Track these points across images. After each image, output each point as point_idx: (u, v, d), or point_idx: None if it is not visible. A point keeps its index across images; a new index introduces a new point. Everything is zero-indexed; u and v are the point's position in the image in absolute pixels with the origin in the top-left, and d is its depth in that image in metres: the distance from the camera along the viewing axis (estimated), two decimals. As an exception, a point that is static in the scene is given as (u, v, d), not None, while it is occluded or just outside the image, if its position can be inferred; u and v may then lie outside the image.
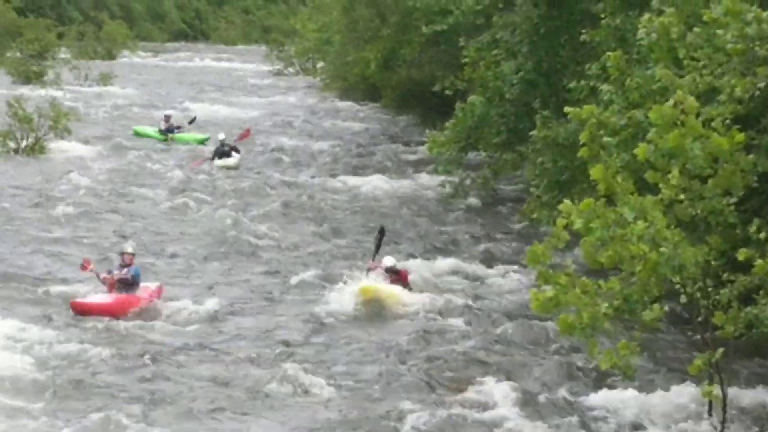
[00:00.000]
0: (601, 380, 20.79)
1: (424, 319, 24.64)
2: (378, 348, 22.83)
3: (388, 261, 26.42)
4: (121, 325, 23.37)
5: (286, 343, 23.00)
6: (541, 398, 20.10)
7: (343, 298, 25.63)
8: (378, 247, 27.02)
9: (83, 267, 24.82)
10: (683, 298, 18.50)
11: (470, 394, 20.46)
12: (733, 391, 19.07)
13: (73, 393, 19.77)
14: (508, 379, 21.05)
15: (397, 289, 25.48)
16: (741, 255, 18.08)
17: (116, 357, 21.47)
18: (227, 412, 19.19)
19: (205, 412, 19.11)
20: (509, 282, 28.21)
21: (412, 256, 31.35)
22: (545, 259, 18.09)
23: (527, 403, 19.94)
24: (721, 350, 18.23)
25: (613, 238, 17.55)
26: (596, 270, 18.20)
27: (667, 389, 20.20)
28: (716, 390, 18.36)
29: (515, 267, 28.50)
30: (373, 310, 24.86)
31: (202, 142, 49.97)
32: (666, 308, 18.26)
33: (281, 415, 19.21)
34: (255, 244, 32.07)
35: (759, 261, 17.82)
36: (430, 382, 20.90)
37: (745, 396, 19.68)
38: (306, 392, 20.10)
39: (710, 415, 18.91)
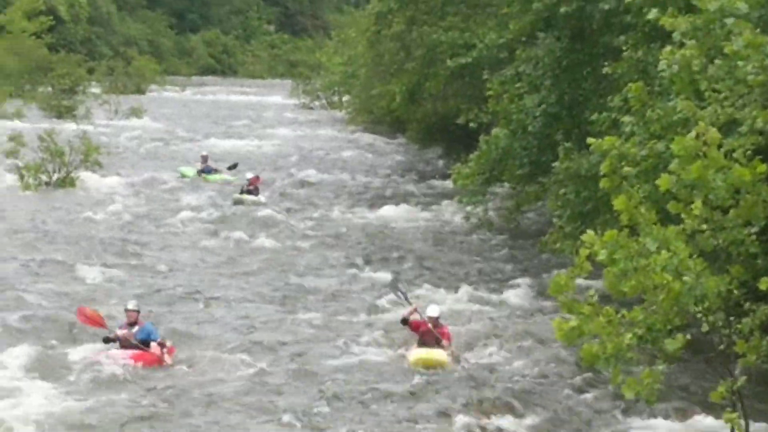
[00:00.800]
0: (626, 408, 20.78)
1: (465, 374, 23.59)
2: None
3: (433, 311, 24.75)
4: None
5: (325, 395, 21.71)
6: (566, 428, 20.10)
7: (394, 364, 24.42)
8: (405, 296, 26.18)
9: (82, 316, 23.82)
10: (705, 327, 18.47)
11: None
12: (754, 418, 19.07)
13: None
14: (535, 409, 21.07)
15: (444, 355, 24.05)
16: (763, 284, 18.04)
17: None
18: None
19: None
20: (533, 311, 28.23)
21: (436, 286, 31.43)
22: (568, 289, 18.10)
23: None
24: (743, 378, 18.22)
25: (636, 268, 17.56)
26: (619, 300, 18.21)
27: (690, 416, 20.25)
28: (738, 418, 18.37)
29: (539, 297, 28.48)
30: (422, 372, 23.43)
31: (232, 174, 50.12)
32: (689, 338, 18.27)
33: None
34: (286, 280, 32.00)
35: (779, 291, 17.84)
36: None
37: (761, 420, 19.64)
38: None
39: (732, 440, 18.91)
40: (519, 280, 32.08)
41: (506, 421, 20.56)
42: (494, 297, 29.95)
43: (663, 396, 19.78)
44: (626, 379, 17.91)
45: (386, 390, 22.01)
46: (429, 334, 24.11)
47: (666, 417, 20.28)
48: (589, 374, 22.07)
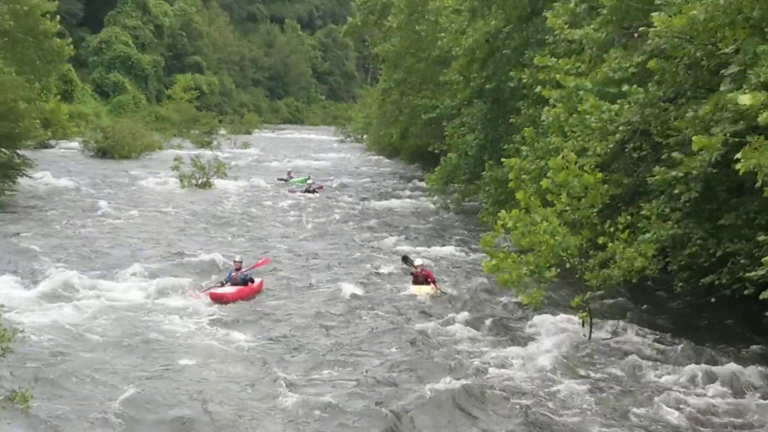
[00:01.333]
0: (522, 315, 20.84)
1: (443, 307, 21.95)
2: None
3: (417, 262, 24.08)
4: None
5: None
6: (489, 323, 20.23)
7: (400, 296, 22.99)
8: (412, 263, 24.25)
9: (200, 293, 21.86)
10: (568, 265, 18.70)
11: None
12: (595, 317, 19.24)
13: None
14: (485, 306, 21.27)
15: (429, 288, 23.07)
16: (600, 240, 18.30)
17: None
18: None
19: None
20: (473, 256, 28.39)
21: (419, 239, 31.64)
22: (491, 244, 18.37)
23: (472, 321, 20.14)
24: (589, 293, 18.46)
25: (530, 231, 17.82)
26: (520, 250, 18.42)
27: (558, 315, 20.29)
28: (587, 317, 18.61)
29: (476, 249, 28.57)
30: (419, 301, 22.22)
31: (304, 181, 49.88)
32: (558, 271, 18.46)
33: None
34: (331, 240, 32.15)
35: (610, 244, 18.03)
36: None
37: (601, 319, 19.75)
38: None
39: (583, 329, 19.09)
40: (465, 239, 32.17)
41: (467, 315, 20.64)
42: (451, 249, 30.01)
43: (545, 305, 19.99)
44: (523, 295, 18.17)
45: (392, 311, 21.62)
46: (419, 275, 23.36)
47: (544, 314, 20.27)
48: (506, 296, 22.12)
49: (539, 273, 18.03)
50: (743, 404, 15.20)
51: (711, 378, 16.43)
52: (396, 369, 16.50)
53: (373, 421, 13.70)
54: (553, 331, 19.36)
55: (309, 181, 47.18)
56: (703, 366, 16.95)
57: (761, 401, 15.31)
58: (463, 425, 13.95)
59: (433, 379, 15.91)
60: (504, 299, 22.34)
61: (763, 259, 14.43)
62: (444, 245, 30.73)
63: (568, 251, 18.10)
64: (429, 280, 23.21)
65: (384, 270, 25.86)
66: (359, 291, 22.91)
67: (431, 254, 28.82)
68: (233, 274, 21.85)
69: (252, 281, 22.02)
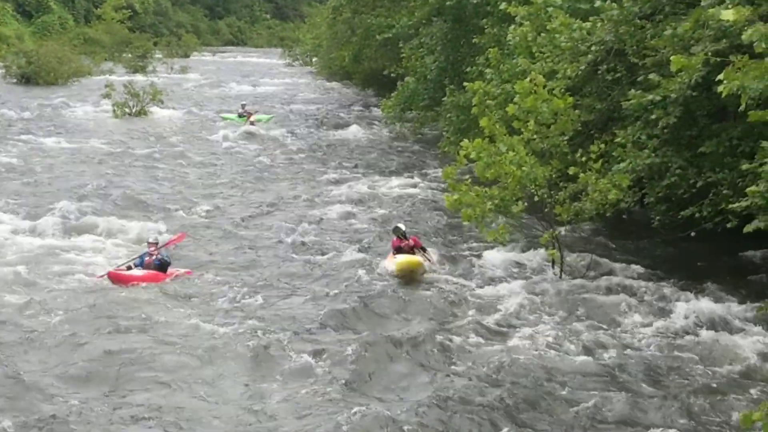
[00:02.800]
0: (490, 252, 20.78)
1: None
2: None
3: (401, 226, 19.98)
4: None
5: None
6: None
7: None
8: (404, 234, 19.73)
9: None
10: (536, 198, 18.62)
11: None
12: (566, 253, 19.23)
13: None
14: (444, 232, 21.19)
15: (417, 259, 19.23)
16: (571, 171, 18.20)
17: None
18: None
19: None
20: (433, 187, 28.31)
21: (375, 173, 31.42)
22: (453, 176, 18.22)
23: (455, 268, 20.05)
24: (559, 229, 18.40)
25: (494, 162, 17.67)
26: (484, 182, 18.29)
27: (525, 251, 20.29)
28: (556, 253, 18.57)
29: (437, 181, 28.49)
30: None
31: (268, 120, 48.21)
32: (526, 204, 18.38)
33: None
34: (276, 173, 31.84)
35: (582, 174, 17.95)
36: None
37: (571, 255, 19.76)
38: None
39: (552, 268, 19.09)
40: (424, 170, 32.14)
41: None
42: (409, 182, 29.95)
43: (511, 242, 19.97)
44: (488, 231, 18.07)
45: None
46: (404, 245, 19.47)
47: (510, 251, 20.31)
48: (469, 233, 22.02)
49: (505, 207, 17.94)
50: (725, 342, 15.30)
51: (690, 317, 16.49)
52: (355, 316, 16.42)
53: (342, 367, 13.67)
54: (521, 271, 19.39)
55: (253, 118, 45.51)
56: (682, 304, 17.01)
57: (744, 339, 15.42)
58: (429, 371, 13.95)
59: (397, 321, 15.86)
60: (467, 236, 22.25)
61: (748, 189, 14.40)
62: (401, 178, 30.60)
63: (536, 183, 17.99)
64: (416, 248, 19.70)
65: (333, 215, 24.99)
66: (310, 257, 20.69)
67: (387, 188, 28.65)
68: (146, 258, 18.62)
69: (168, 266, 18.71)
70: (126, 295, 17.02)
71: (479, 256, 20.58)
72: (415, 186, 29.36)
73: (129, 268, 18.47)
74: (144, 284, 17.77)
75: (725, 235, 18.36)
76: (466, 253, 21.05)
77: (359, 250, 20.90)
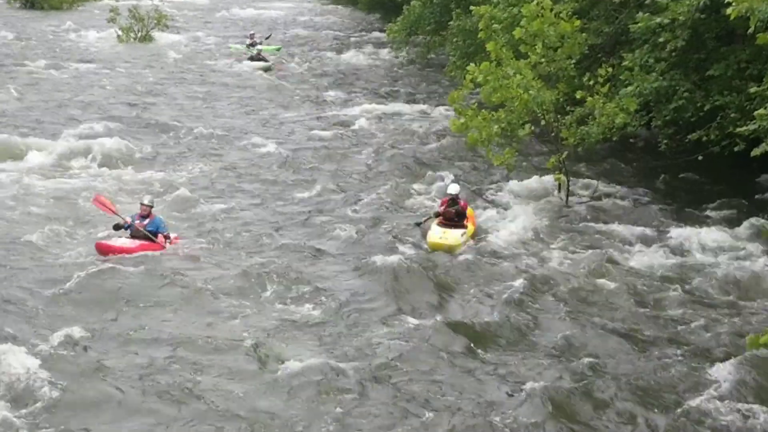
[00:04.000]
0: (496, 177, 20.71)
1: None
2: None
3: (453, 189, 16.93)
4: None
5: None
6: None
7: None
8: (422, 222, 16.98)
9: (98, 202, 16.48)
10: (543, 122, 18.56)
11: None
12: (572, 177, 19.21)
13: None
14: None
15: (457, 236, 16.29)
16: (578, 95, 18.13)
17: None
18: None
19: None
20: (438, 111, 28.19)
21: (380, 98, 31.29)
22: (459, 100, 18.16)
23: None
24: (566, 152, 18.36)
25: (501, 86, 17.59)
26: (490, 106, 18.22)
27: (532, 176, 20.23)
28: (563, 177, 18.55)
29: (443, 104, 28.33)
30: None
31: (276, 50, 47.01)
32: (532, 129, 18.32)
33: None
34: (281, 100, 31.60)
35: (589, 98, 17.88)
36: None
37: (578, 180, 19.75)
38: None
39: (559, 192, 19.08)
40: (431, 94, 31.95)
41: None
42: (416, 107, 29.77)
43: (517, 167, 19.92)
44: (494, 155, 18.05)
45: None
46: (448, 212, 16.62)
47: (517, 178, 20.25)
48: (475, 157, 21.98)
49: (512, 131, 17.90)
50: (731, 265, 15.38)
51: (696, 240, 16.58)
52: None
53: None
54: (527, 195, 19.38)
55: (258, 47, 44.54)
56: (688, 228, 17.08)
57: (750, 262, 15.54)
58: (436, 292, 14.08)
59: (393, 250, 15.97)
60: (473, 161, 22.19)
61: (756, 113, 14.33)
62: (407, 103, 30.40)
63: (543, 107, 17.93)
64: (461, 215, 16.86)
65: (341, 144, 24.32)
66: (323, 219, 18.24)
67: (393, 112, 28.52)
68: (136, 222, 15.95)
69: (161, 236, 16.00)
70: (115, 268, 14.31)
71: (484, 181, 20.58)
72: (420, 109, 29.20)
73: (117, 227, 15.92)
74: (136, 255, 15.29)
75: (732, 159, 18.31)
76: (470, 176, 21.02)
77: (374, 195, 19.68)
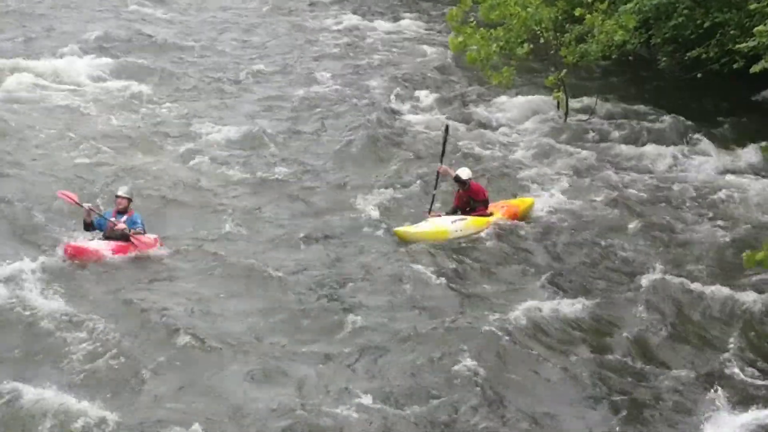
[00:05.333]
0: (495, 96, 20.65)
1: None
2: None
3: (463, 173, 14.00)
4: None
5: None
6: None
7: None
8: (444, 147, 14.38)
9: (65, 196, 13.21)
10: (542, 40, 18.47)
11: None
12: (570, 95, 19.16)
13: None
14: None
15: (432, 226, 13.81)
16: (577, 12, 18.01)
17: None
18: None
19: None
20: (437, 33, 27.91)
21: (374, 19, 30.58)
22: (458, 18, 18.03)
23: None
24: (564, 71, 18.30)
25: (499, 3, 17.50)
26: (489, 24, 18.10)
27: (532, 95, 20.16)
28: (562, 95, 18.52)
29: (440, 23, 28.01)
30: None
31: None
32: (531, 47, 18.21)
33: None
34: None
35: (588, 15, 17.76)
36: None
37: (576, 100, 19.67)
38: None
39: (558, 110, 19.07)
40: (428, 12, 31.37)
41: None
42: (413, 24, 29.26)
43: (516, 85, 19.87)
44: (493, 73, 17.98)
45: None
46: (462, 194, 14.04)
47: (516, 96, 20.15)
48: (474, 74, 21.83)
49: (510, 49, 17.81)
50: (731, 183, 15.48)
51: (695, 157, 16.71)
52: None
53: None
54: (526, 113, 19.35)
55: None
56: (688, 147, 17.16)
57: (749, 179, 15.62)
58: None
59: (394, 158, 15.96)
60: (471, 80, 22.09)
61: (755, 29, 14.24)
62: (404, 20, 29.99)
63: (542, 24, 17.83)
64: (479, 208, 14.29)
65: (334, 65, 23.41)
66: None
67: (390, 30, 28.21)
68: (110, 219, 13.10)
69: (139, 234, 13.07)
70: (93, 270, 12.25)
71: (483, 100, 20.52)
72: (418, 27, 28.94)
73: (88, 227, 13.08)
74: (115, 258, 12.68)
75: (732, 77, 18.27)
76: (469, 95, 20.93)
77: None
